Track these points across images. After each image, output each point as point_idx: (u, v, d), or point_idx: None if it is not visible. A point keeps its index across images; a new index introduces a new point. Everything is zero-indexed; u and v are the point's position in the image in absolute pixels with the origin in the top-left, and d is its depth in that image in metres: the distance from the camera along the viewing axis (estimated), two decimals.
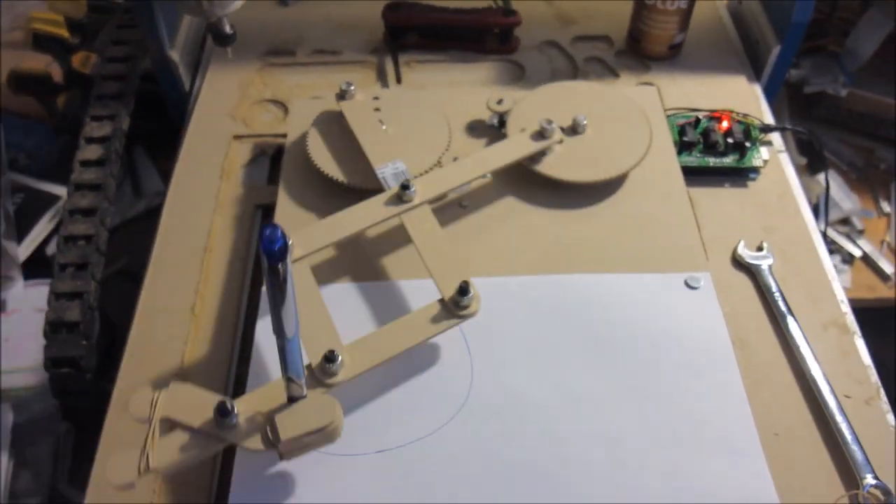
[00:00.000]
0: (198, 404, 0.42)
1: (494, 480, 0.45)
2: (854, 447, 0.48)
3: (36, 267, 0.74)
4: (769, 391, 0.52)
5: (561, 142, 0.60)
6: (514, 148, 0.58)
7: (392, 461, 0.45)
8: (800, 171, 0.90)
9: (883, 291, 0.83)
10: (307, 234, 0.52)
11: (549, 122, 0.58)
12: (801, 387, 0.52)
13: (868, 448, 0.48)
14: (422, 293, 0.51)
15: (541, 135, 0.59)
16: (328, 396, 0.43)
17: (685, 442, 0.46)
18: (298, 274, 0.49)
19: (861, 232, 0.88)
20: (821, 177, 0.85)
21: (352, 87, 0.61)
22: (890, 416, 0.51)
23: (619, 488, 0.44)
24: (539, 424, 0.47)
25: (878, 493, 0.47)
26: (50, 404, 0.63)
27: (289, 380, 0.41)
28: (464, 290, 0.47)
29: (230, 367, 0.54)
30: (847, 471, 0.48)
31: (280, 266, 0.32)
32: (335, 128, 0.61)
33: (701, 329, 0.51)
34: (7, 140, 0.81)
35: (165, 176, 0.83)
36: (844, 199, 0.89)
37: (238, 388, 0.52)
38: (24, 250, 0.74)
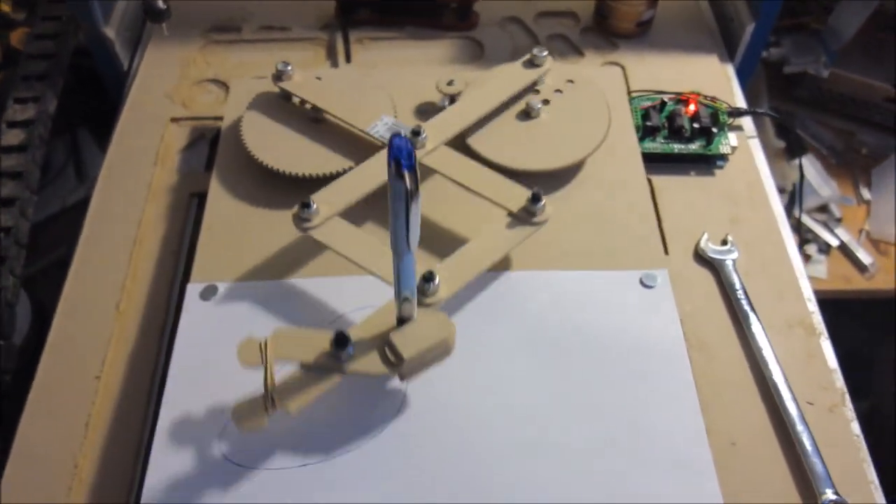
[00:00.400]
0: (307, 343, 0.42)
1: (426, 498, 0.41)
2: (814, 459, 0.45)
3: None
4: (727, 397, 0.49)
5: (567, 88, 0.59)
6: (513, 77, 0.57)
7: (315, 476, 0.42)
8: (777, 155, 0.86)
9: (859, 283, 0.79)
10: (329, 195, 0.49)
11: (542, 49, 0.57)
12: (761, 392, 0.49)
13: (830, 459, 0.45)
14: None
15: (532, 63, 0.57)
16: (438, 312, 0.43)
17: (631, 454, 0.43)
18: (343, 228, 0.48)
19: (839, 220, 0.84)
20: (798, 162, 0.81)
21: (289, 68, 0.56)
22: (854, 425, 0.48)
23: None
24: (477, 434, 0.43)
25: None
26: None
27: (404, 299, 0.40)
28: (537, 197, 0.47)
29: (155, 370, 0.51)
30: (806, 484, 0.45)
31: (409, 174, 0.32)
32: (273, 111, 0.57)
33: (654, 331, 0.47)
34: None
35: None
36: (823, 185, 0.85)
37: (161, 393, 0.48)
38: None
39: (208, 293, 0.49)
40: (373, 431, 0.43)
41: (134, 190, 0.59)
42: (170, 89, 0.66)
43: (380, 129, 0.54)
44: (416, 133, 0.52)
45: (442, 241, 0.50)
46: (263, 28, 0.72)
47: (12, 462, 0.47)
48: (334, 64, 0.68)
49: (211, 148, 0.63)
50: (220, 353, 0.46)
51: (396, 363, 0.41)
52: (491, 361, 0.46)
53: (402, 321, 0.42)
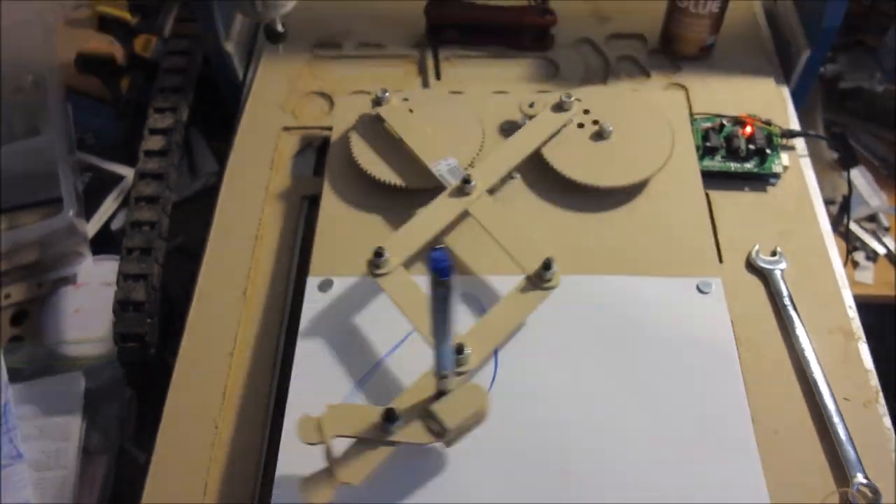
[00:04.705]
0: (358, 417, 0.47)
1: (504, 464, 0.49)
2: (847, 447, 0.52)
3: (102, 243, 0.80)
4: (773, 391, 0.55)
5: (587, 117, 0.65)
6: (544, 124, 0.63)
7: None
8: (830, 166, 0.91)
9: None
10: (399, 242, 0.56)
11: (569, 95, 0.64)
12: (803, 388, 0.55)
13: (862, 449, 0.52)
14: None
15: (559, 107, 0.64)
16: (473, 383, 0.48)
17: (685, 438, 0.50)
18: (404, 280, 0.54)
19: (887, 229, 0.89)
20: (847, 175, 0.87)
21: (386, 94, 0.64)
22: (886, 419, 0.54)
23: (617, 479, 0.48)
24: (550, 415, 0.51)
25: (866, 491, 0.50)
26: (117, 372, 0.69)
27: (442, 377, 0.45)
28: (548, 265, 0.53)
29: (278, 346, 0.60)
30: (840, 469, 0.51)
31: (448, 281, 0.37)
32: (372, 130, 0.65)
33: (708, 332, 0.54)
34: (74, 119, 0.86)
35: (219, 156, 0.88)
36: (873, 195, 0.90)
37: (285, 367, 0.57)
38: (91, 227, 0.80)
39: (325, 286, 0.58)
40: None
41: (253, 193, 0.68)
42: (281, 100, 0.75)
43: (442, 168, 0.61)
44: (466, 181, 0.58)
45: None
46: (361, 45, 0.80)
47: (164, 423, 0.56)
48: (425, 79, 0.76)
49: (318, 155, 0.72)
50: (336, 337, 0.55)
51: (441, 432, 0.46)
52: (563, 356, 0.54)
53: (441, 394, 0.47)
